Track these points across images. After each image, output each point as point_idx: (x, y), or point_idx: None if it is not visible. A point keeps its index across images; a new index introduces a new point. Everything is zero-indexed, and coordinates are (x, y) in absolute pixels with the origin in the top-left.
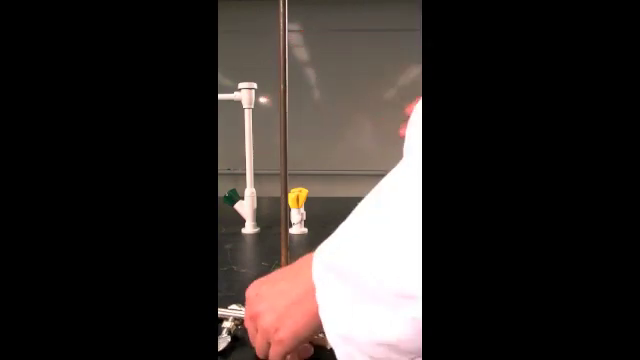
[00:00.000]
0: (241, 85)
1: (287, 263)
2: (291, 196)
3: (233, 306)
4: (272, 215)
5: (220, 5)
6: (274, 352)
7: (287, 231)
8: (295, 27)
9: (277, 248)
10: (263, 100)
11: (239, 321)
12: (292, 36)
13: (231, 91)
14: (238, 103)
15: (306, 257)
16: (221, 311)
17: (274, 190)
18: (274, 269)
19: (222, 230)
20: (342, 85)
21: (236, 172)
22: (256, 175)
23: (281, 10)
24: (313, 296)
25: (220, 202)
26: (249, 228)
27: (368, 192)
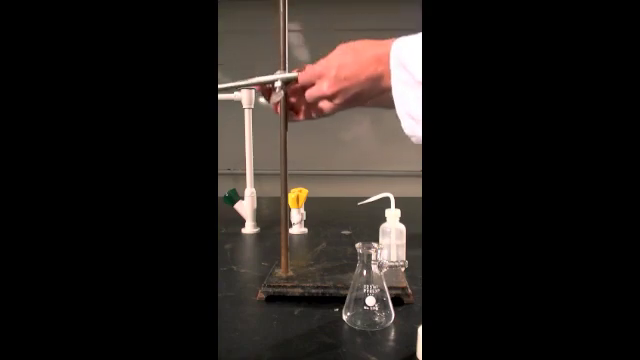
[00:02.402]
0: None
1: (287, 263)
2: (291, 196)
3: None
4: (272, 215)
5: (220, 5)
6: (317, 88)
7: (287, 231)
8: (295, 27)
9: (277, 248)
10: (263, 100)
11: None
12: (292, 36)
13: (231, 91)
14: (238, 103)
15: (377, 55)
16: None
17: (274, 190)
18: (274, 269)
19: (222, 230)
20: None
21: (236, 172)
22: (256, 175)
23: (281, 10)
24: (385, 75)
25: (220, 202)
26: (249, 228)
27: (368, 192)
